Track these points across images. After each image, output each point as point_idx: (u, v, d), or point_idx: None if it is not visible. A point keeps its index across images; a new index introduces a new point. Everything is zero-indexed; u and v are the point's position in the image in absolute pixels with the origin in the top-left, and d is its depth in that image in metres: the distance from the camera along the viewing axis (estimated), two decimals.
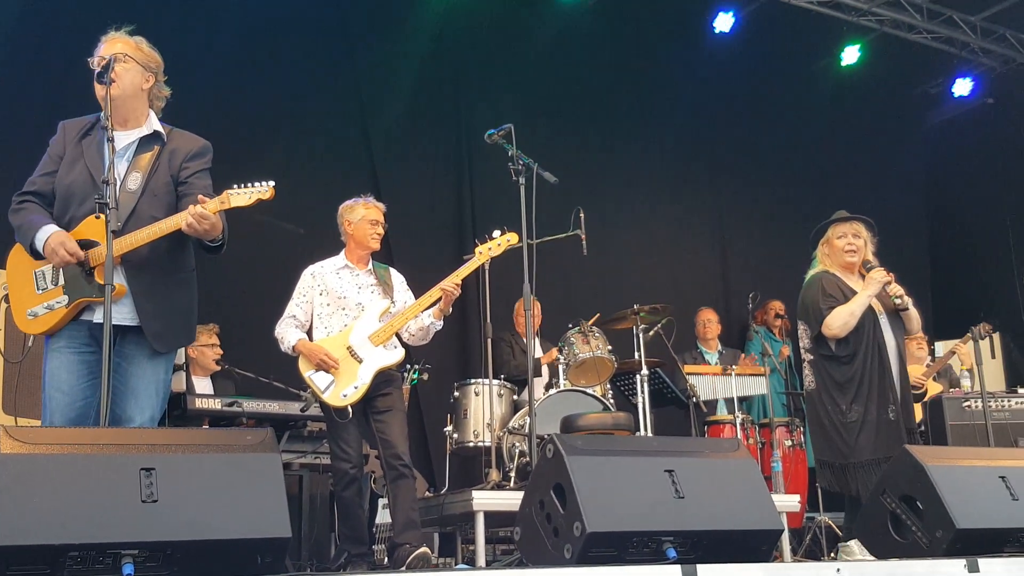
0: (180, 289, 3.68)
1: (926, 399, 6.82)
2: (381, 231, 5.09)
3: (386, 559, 4.94)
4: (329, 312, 4.94)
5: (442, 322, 5.06)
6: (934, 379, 7.13)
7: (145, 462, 2.65)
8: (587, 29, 8.58)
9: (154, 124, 3.71)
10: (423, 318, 4.98)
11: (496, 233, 5.01)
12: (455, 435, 6.05)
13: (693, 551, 3.19)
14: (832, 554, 5.92)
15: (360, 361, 4.78)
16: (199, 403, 5.56)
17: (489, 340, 5.84)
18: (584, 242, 5.72)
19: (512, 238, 4.99)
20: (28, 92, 6.44)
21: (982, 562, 3.29)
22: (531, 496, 3.39)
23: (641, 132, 8.98)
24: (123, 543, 2.51)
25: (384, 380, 4.84)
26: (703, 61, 8.97)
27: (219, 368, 6.31)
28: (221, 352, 6.28)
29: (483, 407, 5.94)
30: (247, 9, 7.17)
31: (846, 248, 4.88)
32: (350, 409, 4.69)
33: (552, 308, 7.18)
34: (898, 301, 4.81)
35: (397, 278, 5.18)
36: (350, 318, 4.90)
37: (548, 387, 6.32)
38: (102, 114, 3.51)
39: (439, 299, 4.88)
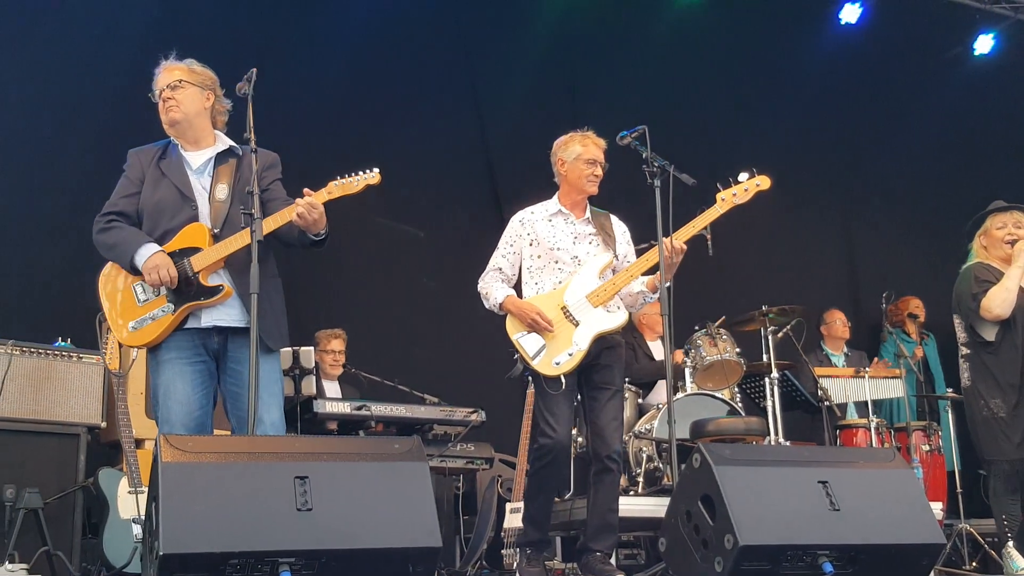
0: (275, 291, 3.75)
1: None
2: (600, 172, 4.40)
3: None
4: (540, 266, 4.32)
5: (656, 296, 4.33)
6: None
7: (299, 470, 2.68)
8: (706, 25, 8.37)
9: (226, 141, 3.82)
10: (634, 284, 4.32)
11: (743, 176, 4.28)
12: (579, 439, 5.98)
13: (850, 566, 3.09)
14: (974, 563, 5.68)
15: (576, 324, 4.17)
16: (328, 407, 5.62)
17: None
18: (709, 241, 5.55)
19: (763, 182, 4.29)
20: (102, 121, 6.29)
21: None
22: (677, 506, 3.31)
23: (765, 128, 8.71)
24: (280, 551, 2.54)
25: (604, 347, 4.22)
26: (829, 54, 8.66)
27: (343, 371, 6.38)
28: (342, 359, 6.34)
29: None
30: (360, 12, 7.17)
31: (1006, 238, 4.69)
32: (563, 379, 4.10)
33: (677, 310, 7.03)
34: None
35: (619, 227, 4.51)
36: (565, 273, 4.28)
37: (675, 390, 6.21)
38: (172, 140, 3.70)
39: (657, 264, 4.17)
